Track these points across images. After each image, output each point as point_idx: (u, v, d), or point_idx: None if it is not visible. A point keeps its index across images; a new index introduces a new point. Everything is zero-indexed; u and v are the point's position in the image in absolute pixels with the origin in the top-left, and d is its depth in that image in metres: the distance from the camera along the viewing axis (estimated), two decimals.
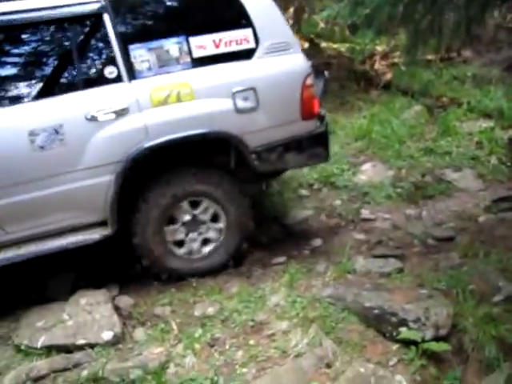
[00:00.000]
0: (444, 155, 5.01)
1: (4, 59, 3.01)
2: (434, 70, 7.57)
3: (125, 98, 2.94)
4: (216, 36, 3.10)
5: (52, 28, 3.02)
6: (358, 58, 8.58)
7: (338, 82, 7.96)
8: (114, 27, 2.96)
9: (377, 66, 8.51)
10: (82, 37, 3.03)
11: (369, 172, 4.84)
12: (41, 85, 3.02)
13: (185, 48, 3.05)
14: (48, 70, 3.08)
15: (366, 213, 4.17)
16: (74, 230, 3.05)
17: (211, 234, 3.32)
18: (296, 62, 3.25)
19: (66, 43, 3.03)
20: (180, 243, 3.28)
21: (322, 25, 11.13)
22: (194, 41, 3.07)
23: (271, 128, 3.18)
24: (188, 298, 3.09)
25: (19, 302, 3.14)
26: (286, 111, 3.22)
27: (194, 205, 3.24)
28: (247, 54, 3.15)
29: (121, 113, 2.92)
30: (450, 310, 2.53)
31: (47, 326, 2.82)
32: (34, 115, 2.87)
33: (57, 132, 2.84)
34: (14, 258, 2.93)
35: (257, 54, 3.16)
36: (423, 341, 2.41)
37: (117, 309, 2.97)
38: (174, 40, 3.05)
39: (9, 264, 2.94)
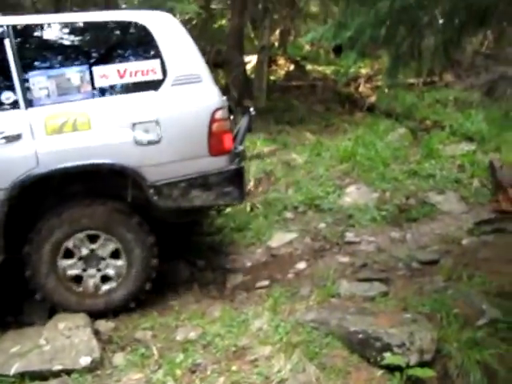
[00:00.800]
0: (428, 178, 5.06)
1: None
2: (416, 93, 7.72)
3: (18, 124, 2.89)
4: (121, 66, 3.04)
5: None
6: (342, 80, 8.73)
7: (323, 103, 8.08)
8: (14, 53, 2.92)
9: (361, 88, 8.68)
10: None
11: (353, 194, 4.86)
12: None
13: (87, 77, 3.00)
14: None
15: (350, 236, 4.17)
16: None
17: (111, 271, 3.14)
18: (205, 94, 3.11)
19: None
20: (77, 279, 3.12)
21: (307, 47, 11.34)
22: (97, 70, 3.01)
23: (174, 162, 3.03)
24: (170, 322, 3.02)
25: None
26: (192, 146, 3.06)
27: (92, 239, 3.09)
28: (153, 85, 3.06)
29: (12, 139, 2.86)
30: (434, 334, 2.51)
31: (22, 351, 2.72)
32: None
33: None
34: None
35: (164, 85, 3.06)
36: (408, 366, 2.37)
37: (96, 333, 2.89)
38: (75, 68, 3.01)
39: None
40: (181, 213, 3.26)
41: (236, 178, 3.17)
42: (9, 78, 2.92)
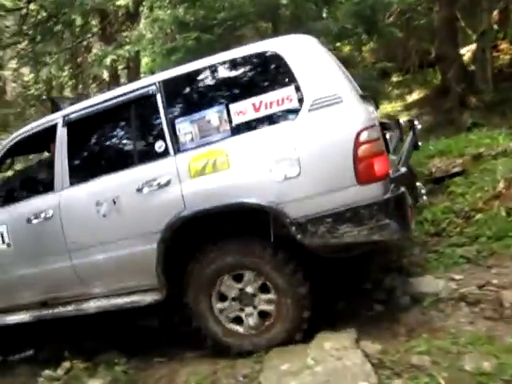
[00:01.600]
0: None
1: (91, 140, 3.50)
2: None
3: (168, 170, 3.01)
4: (255, 99, 2.89)
5: (118, 113, 3.32)
6: None
7: None
8: (164, 105, 3.09)
9: None
10: (139, 116, 3.24)
11: None
12: (102, 163, 3.41)
13: (224, 116, 2.95)
14: (111, 151, 3.44)
15: None
16: (139, 291, 3.23)
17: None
18: (348, 115, 2.74)
19: (127, 124, 3.29)
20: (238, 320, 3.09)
21: None
22: (234, 107, 2.94)
23: (317, 196, 2.74)
24: (448, 346, 2.61)
25: None
26: (335, 175, 2.72)
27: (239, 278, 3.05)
28: (289, 114, 2.84)
29: (164, 185, 3.00)
30: None
31: (293, 370, 2.67)
32: (99, 188, 3.21)
33: (114, 202, 3.11)
34: (87, 309, 3.37)
35: (301, 112, 2.81)
36: None
37: (365, 355, 2.65)
38: (214, 109, 2.99)
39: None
40: (335, 249, 2.92)
41: (394, 208, 2.69)
42: (160, 128, 3.08)
